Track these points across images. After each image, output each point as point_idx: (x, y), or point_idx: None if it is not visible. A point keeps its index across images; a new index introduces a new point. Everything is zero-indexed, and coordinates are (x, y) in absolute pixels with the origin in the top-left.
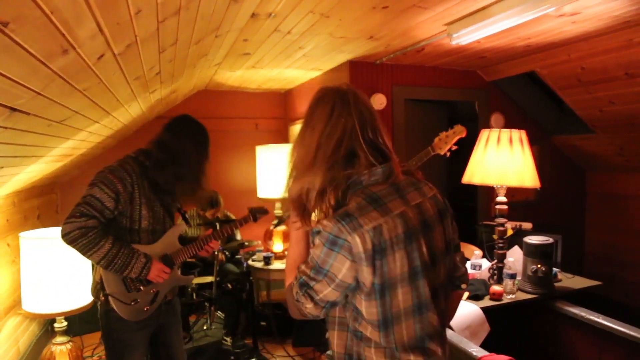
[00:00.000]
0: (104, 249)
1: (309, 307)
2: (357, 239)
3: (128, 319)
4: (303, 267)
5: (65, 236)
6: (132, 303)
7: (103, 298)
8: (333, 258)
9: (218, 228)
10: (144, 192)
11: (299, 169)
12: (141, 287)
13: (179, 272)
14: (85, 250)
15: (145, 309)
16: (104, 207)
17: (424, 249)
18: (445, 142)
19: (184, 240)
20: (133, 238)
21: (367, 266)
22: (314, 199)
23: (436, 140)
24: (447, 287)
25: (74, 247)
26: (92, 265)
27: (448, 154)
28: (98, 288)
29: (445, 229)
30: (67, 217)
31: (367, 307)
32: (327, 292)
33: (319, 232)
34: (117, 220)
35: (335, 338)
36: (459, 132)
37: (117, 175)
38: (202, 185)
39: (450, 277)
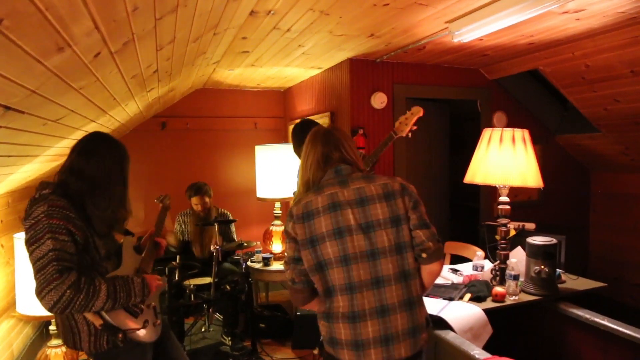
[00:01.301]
0: (104, 292)
1: (285, 269)
2: (294, 209)
3: (148, 341)
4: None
5: (57, 305)
6: (145, 325)
7: (121, 336)
8: (289, 226)
9: (217, 228)
10: (87, 222)
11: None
12: (142, 307)
13: None
14: (85, 305)
15: (157, 324)
16: (70, 254)
17: (351, 216)
18: (405, 124)
19: (138, 249)
20: (100, 271)
21: (300, 224)
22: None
23: (397, 124)
24: (398, 253)
25: (70, 310)
26: (72, 319)
27: (410, 134)
28: (101, 335)
29: (389, 206)
30: (40, 287)
31: (305, 256)
32: (289, 252)
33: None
34: (79, 261)
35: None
36: (416, 112)
37: (60, 217)
38: (128, 207)
39: (413, 248)
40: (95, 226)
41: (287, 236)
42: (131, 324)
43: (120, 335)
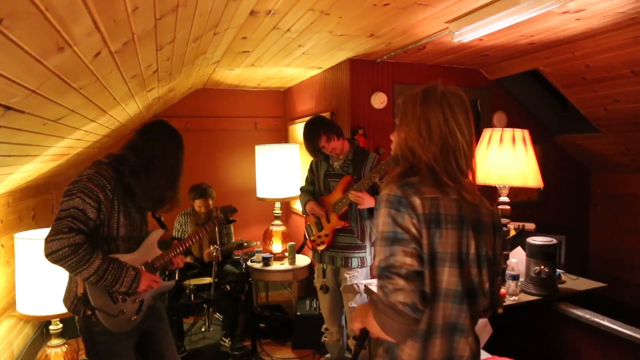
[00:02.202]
0: (95, 265)
1: (400, 286)
2: (418, 201)
3: (115, 331)
4: (376, 261)
5: (53, 254)
6: (119, 314)
7: (89, 312)
8: (401, 218)
9: (217, 228)
10: (121, 199)
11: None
12: (127, 297)
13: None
14: (74, 268)
15: (132, 319)
16: (89, 218)
17: (473, 244)
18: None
19: (164, 245)
20: (110, 247)
21: (424, 229)
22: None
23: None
24: (485, 300)
25: (61, 265)
26: (71, 280)
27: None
28: (79, 302)
29: (496, 242)
30: (50, 233)
31: (426, 278)
32: (407, 260)
33: (379, 201)
34: (95, 229)
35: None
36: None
37: (96, 184)
38: (177, 192)
39: (491, 295)
40: (139, 200)
41: (398, 230)
42: (106, 306)
43: (89, 312)
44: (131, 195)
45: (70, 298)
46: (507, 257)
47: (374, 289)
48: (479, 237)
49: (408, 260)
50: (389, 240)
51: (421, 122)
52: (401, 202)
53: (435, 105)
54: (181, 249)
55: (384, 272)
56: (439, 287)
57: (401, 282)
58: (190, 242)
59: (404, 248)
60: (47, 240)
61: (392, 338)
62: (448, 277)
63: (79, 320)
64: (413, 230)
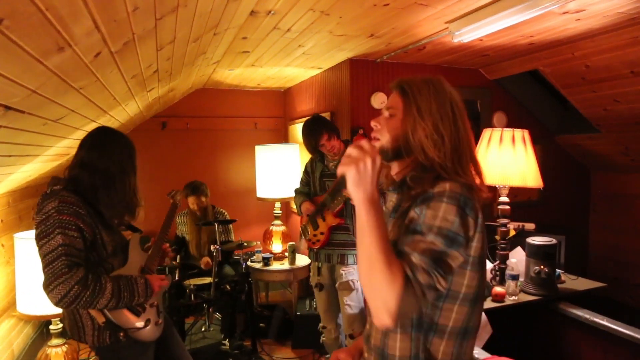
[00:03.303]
0: (108, 290)
1: (438, 286)
2: (477, 205)
3: (149, 340)
4: (420, 246)
5: (64, 299)
6: (147, 323)
7: (122, 335)
8: (466, 220)
9: (217, 228)
10: (96, 219)
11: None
12: (146, 306)
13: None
14: (90, 302)
15: (159, 322)
16: (79, 250)
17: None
18: None
19: (144, 247)
20: (106, 268)
21: (479, 232)
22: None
23: None
24: None
25: (76, 305)
26: (77, 313)
27: None
28: (101, 332)
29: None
30: (49, 280)
31: (470, 279)
32: (455, 264)
33: (441, 195)
34: (86, 258)
35: (398, 341)
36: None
37: (69, 213)
38: (139, 196)
39: None
40: (107, 217)
41: (460, 233)
42: (133, 322)
43: (121, 334)
44: (99, 213)
45: (89, 332)
46: (506, 257)
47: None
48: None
49: (455, 264)
50: (449, 239)
51: (437, 119)
52: (467, 203)
53: (446, 102)
54: (162, 241)
55: (430, 264)
56: (481, 290)
57: (442, 283)
58: (164, 233)
59: (459, 253)
60: (50, 288)
61: (372, 294)
62: (481, 280)
63: (104, 347)
64: (471, 233)
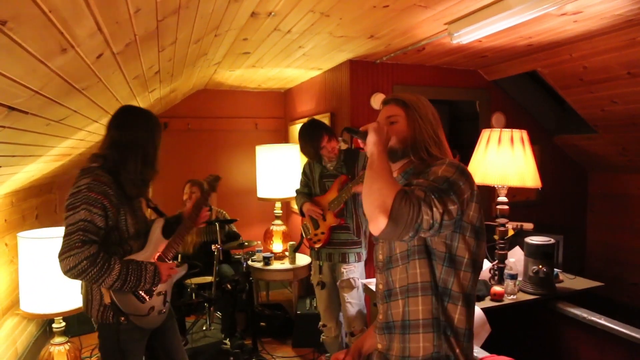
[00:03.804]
0: (116, 271)
1: (439, 211)
2: (472, 177)
3: (148, 327)
4: (424, 182)
5: (71, 270)
6: (150, 312)
7: (123, 319)
8: (462, 182)
9: (219, 227)
10: (125, 200)
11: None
12: (152, 294)
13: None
14: (96, 278)
15: (162, 312)
16: (99, 228)
17: None
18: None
19: (167, 231)
20: (125, 249)
21: (475, 202)
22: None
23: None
24: None
25: (82, 278)
26: (89, 288)
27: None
28: (106, 310)
29: None
30: (63, 250)
31: (468, 245)
32: (453, 207)
33: (441, 162)
34: (106, 235)
35: (420, 304)
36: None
37: (98, 191)
38: (156, 168)
39: None
40: (126, 190)
41: (457, 191)
42: (136, 308)
43: (123, 319)
44: (129, 191)
45: (96, 306)
46: (505, 257)
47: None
48: None
49: (452, 207)
50: (448, 182)
51: (434, 123)
52: (464, 171)
53: (432, 111)
54: (186, 230)
55: (427, 188)
56: (480, 258)
57: (438, 206)
58: (192, 221)
59: (456, 198)
60: (62, 258)
61: (374, 210)
62: (484, 249)
63: (106, 325)
64: (466, 195)
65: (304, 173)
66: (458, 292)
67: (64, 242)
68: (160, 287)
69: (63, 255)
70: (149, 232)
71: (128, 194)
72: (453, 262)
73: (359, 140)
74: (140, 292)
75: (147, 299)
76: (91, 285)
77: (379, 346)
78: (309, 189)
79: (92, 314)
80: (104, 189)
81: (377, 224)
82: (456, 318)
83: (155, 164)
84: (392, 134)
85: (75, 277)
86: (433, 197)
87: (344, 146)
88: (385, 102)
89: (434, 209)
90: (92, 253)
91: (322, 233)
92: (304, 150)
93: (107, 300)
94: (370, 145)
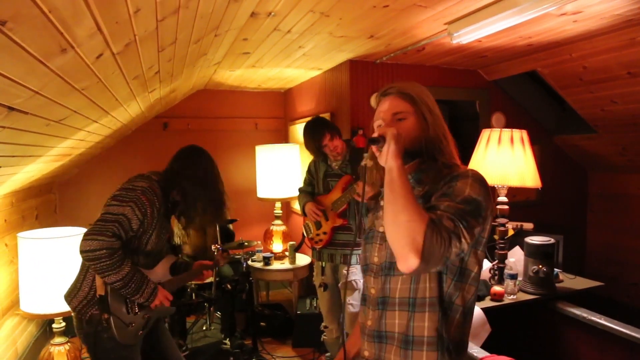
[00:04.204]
0: (123, 272)
1: (467, 241)
2: (490, 192)
3: (122, 342)
4: (445, 204)
5: (89, 252)
6: (130, 326)
7: (106, 316)
8: (487, 201)
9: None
10: (161, 219)
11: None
12: (137, 311)
13: None
14: (104, 270)
15: (139, 333)
16: (131, 229)
17: None
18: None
19: (174, 269)
20: (133, 259)
21: (490, 215)
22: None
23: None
24: None
25: (92, 264)
26: (83, 278)
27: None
28: (89, 304)
29: None
30: (92, 231)
31: (479, 259)
32: (477, 230)
33: (466, 174)
34: (128, 240)
35: (426, 321)
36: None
37: (149, 198)
38: (226, 209)
39: None
40: (199, 219)
41: (488, 208)
42: (121, 315)
43: (105, 315)
44: (187, 216)
45: (79, 297)
46: (505, 257)
47: None
48: None
49: (476, 232)
50: (475, 205)
51: (442, 118)
52: (487, 186)
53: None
54: (183, 282)
55: (455, 214)
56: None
57: (466, 235)
58: (201, 278)
59: (478, 222)
60: (87, 238)
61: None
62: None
63: (84, 323)
64: (488, 212)
65: (309, 171)
66: (460, 305)
67: (96, 225)
68: (149, 312)
69: (90, 235)
70: (159, 259)
71: (165, 228)
72: (463, 275)
73: (373, 147)
74: (133, 303)
75: (135, 312)
76: (95, 273)
77: (366, 353)
78: (313, 188)
79: (71, 302)
80: (153, 199)
81: (407, 263)
82: (456, 331)
83: (224, 204)
84: (404, 133)
85: (88, 259)
86: (462, 226)
87: (369, 163)
88: (384, 94)
89: (463, 240)
90: (114, 246)
91: (324, 233)
92: (307, 146)
93: (100, 292)
94: (390, 157)
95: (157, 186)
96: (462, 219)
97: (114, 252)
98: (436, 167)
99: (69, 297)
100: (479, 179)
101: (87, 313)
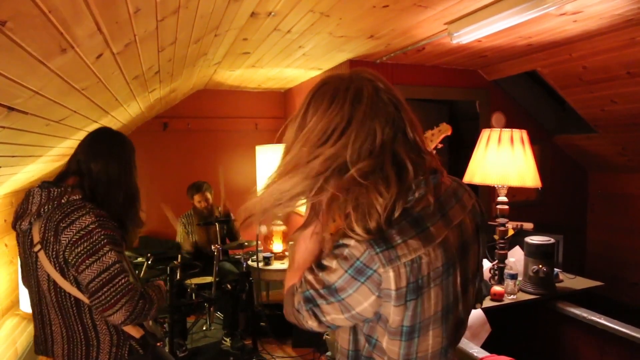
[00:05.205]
0: (154, 298)
1: (310, 324)
2: (391, 274)
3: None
4: (311, 277)
5: (132, 315)
6: (161, 332)
7: (160, 344)
8: (354, 289)
9: (218, 228)
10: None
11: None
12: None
13: None
14: (149, 312)
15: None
16: (128, 264)
17: (459, 279)
18: (431, 141)
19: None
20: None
21: (396, 306)
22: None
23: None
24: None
25: (138, 320)
26: (94, 334)
27: (434, 152)
28: (124, 347)
29: (480, 246)
30: (115, 300)
31: (389, 344)
32: (337, 317)
33: (340, 250)
34: None
35: (341, 333)
36: (445, 130)
37: (111, 228)
38: (138, 202)
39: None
40: (124, 224)
41: (343, 301)
42: (158, 331)
43: (159, 344)
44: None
45: (105, 349)
46: (505, 256)
47: None
48: (464, 263)
49: (336, 316)
50: (330, 291)
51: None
52: (362, 271)
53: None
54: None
55: (308, 302)
56: (426, 353)
57: (313, 324)
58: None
59: (341, 307)
60: (117, 308)
61: (285, 316)
62: (433, 340)
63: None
64: (365, 304)
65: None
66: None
67: (107, 292)
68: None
69: (117, 304)
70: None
71: (128, 232)
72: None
73: None
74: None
75: (162, 322)
76: (141, 322)
77: None
78: None
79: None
80: (112, 224)
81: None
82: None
83: (138, 202)
84: None
85: (132, 321)
86: (304, 307)
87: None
88: None
89: (306, 322)
90: (140, 291)
91: None
92: None
93: (138, 334)
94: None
95: (92, 205)
96: (308, 301)
97: (143, 295)
98: None
99: (83, 357)
100: (340, 257)
101: (123, 355)
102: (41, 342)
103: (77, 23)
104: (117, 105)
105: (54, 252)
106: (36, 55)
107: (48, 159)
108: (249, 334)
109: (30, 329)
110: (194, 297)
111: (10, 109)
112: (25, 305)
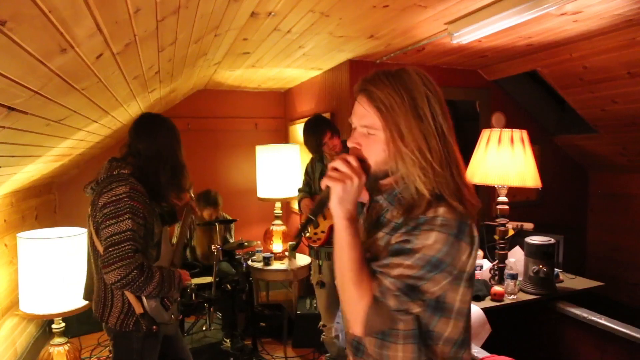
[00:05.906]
0: (157, 279)
1: (417, 310)
2: (473, 226)
3: (167, 334)
4: (397, 272)
5: (122, 280)
6: (170, 319)
7: (156, 328)
8: (457, 248)
9: (218, 228)
10: (152, 209)
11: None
12: (171, 304)
13: None
14: (141, 287)
15: (179, 318)
16: (140, 237)
17: None
18: None
19: (163, 220)
20: (149, 257)
21: (475, 250)
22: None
23: None
24: None
25: (128, 288)
26: (111, 294)
27: None
28: (127, 317)
29: None
30: (113, 260)
31: (463, 295)
32: (436, 288)
33: (432, 222)
34: None
35: (399, 351)
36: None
37: (139, 201)
38: (186, 176)
39: None
40: (166, 199)
41: (447, 267)
42: (163, 317)
43: (155, 328)
44: (157, 200)
45: (115, 314)
46: (505, 257)
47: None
48: None
49: (436, 288)
50: (430, 265)
51: (421, 141)
52: (462, 229)
53: (425, 109)
54: (184, 237)
55: (401, 290)
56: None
57: (415, 309)
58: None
59: (442, 276)
60: (113, 268)
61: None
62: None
63: (125, 333)
64: (464, 258)
65: (306, 172)
66: (445, 339)
67: (111, 252)
68: (175, 294)
69: (112, 265)
70: (161, 240)
71: (167, 203)
72: (439, 309)
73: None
74: (166, 299)
75: (169, 307)
76: (133, 294)
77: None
78: (310, 188)
79: (108, 321)
80: (143, 199)
81: (353, 330)
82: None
83: (185, 173)
84: (372, 153)
85: (122, 287)
86: (407, 300)
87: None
88: (357, 90)
89: (412, 311)
90: (140, 263)
91: (322, 232)
92: (306, 143)
93: (139, 310)
94: (334, 204)
95: (135, 180)
96: (409, 293)
97: (142, 267)
98: (409, 193)
99: (102, 316)
100: (446, 227)
101: (128, 325)
102: (90, 291)
103: (77, 23)
104: (117, 105)
105: (94, 213)
106: (36, 55)
107: (48, 159)
108: (249, 334)
109: (29, 329)
110: (193, 298)
111: (10, 109)
112: (25, 305)
